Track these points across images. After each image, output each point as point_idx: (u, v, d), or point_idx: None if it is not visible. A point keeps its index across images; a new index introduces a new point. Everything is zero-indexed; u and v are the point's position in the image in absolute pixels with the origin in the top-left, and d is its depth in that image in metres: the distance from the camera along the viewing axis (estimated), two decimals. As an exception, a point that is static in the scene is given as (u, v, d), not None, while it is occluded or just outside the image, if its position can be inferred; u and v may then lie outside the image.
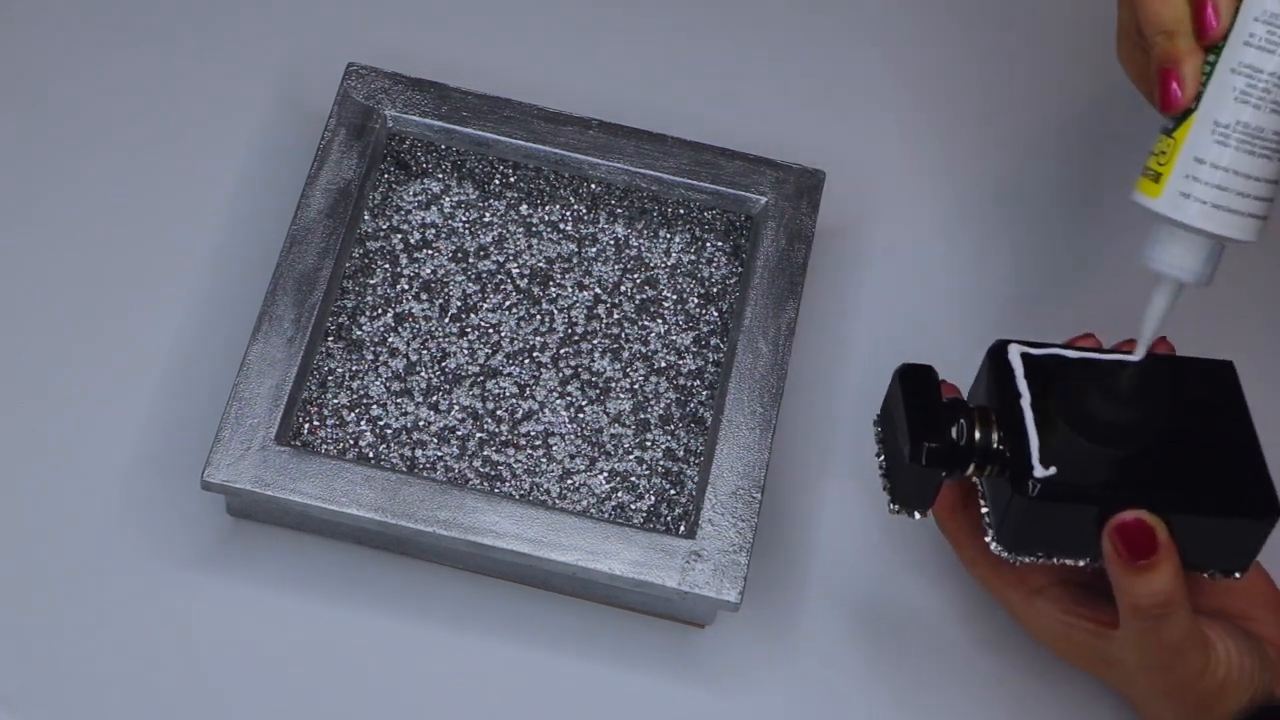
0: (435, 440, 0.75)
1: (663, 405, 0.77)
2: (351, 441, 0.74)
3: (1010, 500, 0.65)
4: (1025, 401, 0.66)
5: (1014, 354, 0.67)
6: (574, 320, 0.79)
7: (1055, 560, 0.67)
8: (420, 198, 0.81)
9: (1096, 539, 0.65)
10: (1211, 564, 0.67)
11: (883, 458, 0.68)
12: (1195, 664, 0.66)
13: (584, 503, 0.74)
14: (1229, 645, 0.67)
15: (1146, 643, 0.66)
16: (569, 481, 0.75)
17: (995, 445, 0.66)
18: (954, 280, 0.83)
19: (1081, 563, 0.67)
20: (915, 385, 0.67)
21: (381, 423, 0.75)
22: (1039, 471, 0.64)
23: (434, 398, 0.76)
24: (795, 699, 0.73)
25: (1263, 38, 0.63)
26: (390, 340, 0.77)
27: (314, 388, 0.75)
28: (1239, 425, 0.67)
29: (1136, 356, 0.66)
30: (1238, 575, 0.67)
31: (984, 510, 0.67)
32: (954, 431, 0.66)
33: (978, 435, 0.66)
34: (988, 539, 0.67)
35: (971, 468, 0.66)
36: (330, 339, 0.76)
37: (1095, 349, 0.69)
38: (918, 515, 0.68)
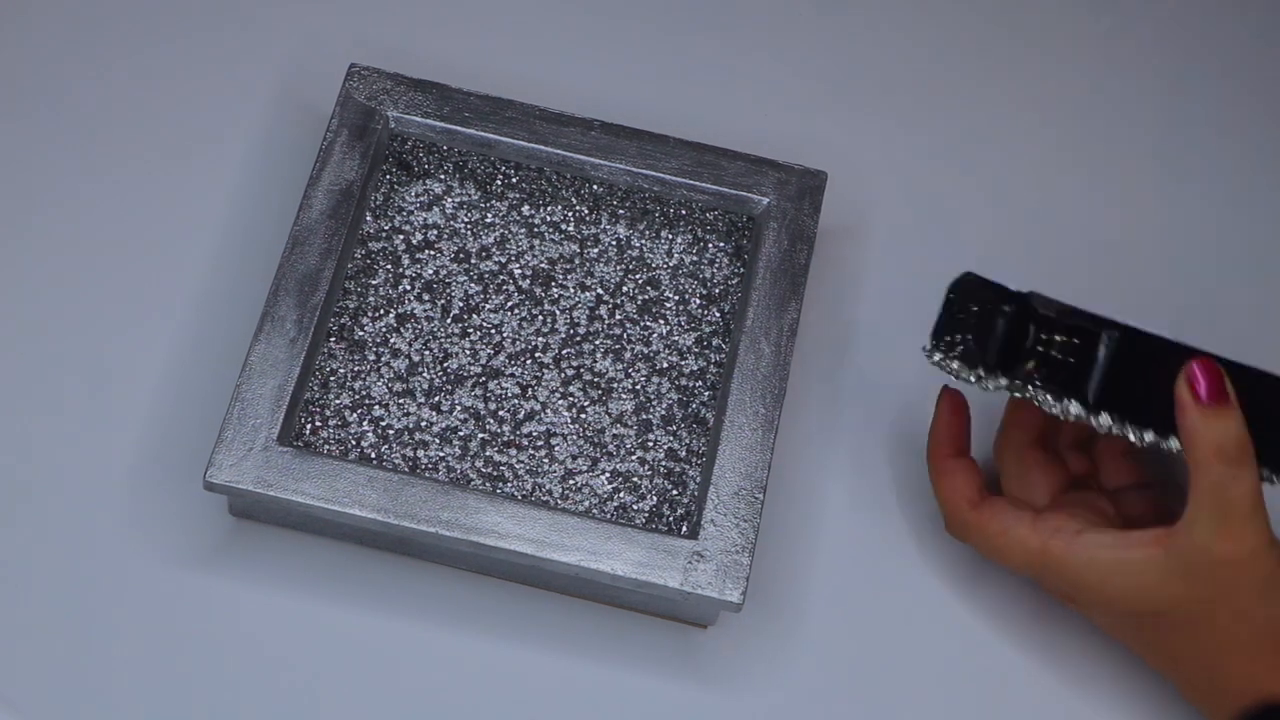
0: (437, 441, 0.75)
1: (665, 406, 0.77)
2: (354, 442, 0.74)
3: (1093, 355, 0.69)
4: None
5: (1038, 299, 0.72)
6: (576, 321, 0.79)
7: (1126, 427, 0.69)
8: (422, 198, 0.81)
9: (1166, 413, 0.68)
10: (1267, 463, 0.69)
11: (945, 343, 0.71)
12: (1266, 533, 0.67)
13: (586, 503, 0.74)
14: None
15: (1219, 510, 0.66)
16: (571, 482, 0.75)
17: (1055, 354, 0.70)
18: (956, 281, 0.83)
19: (1148, 436, 0.69)
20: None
21: (383, 423, 0.75)
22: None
23: (436, 398, 0.76)
24: (797, 699, 0.73)
25: None
26: (392, 341, 0.77)
27: (316, 388, 0.75)
28: None
29: None
30: None
31: (1048, 403, 0.70)
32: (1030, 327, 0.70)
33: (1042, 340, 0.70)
34: (1064, 405, 0.70)
35: (1032, 363, 0.70)
36: (332, 340, 0.76)
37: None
38: (981, 373, 0.70)
